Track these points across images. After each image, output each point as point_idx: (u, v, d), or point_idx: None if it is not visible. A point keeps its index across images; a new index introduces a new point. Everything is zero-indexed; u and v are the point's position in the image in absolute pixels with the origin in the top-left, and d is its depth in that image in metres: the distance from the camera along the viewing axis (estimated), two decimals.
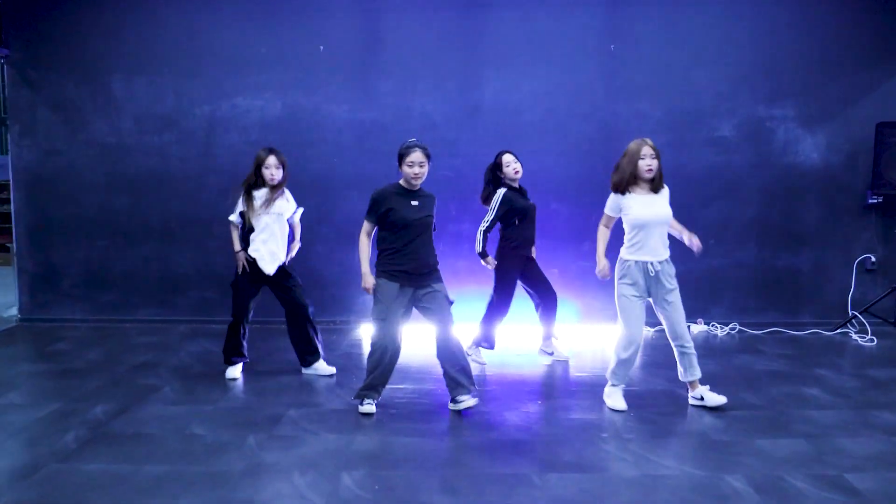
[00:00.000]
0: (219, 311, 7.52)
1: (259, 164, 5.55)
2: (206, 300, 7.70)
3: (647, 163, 4.75)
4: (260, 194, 5.53)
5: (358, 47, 7.56)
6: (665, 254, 4.84)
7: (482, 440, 4.38)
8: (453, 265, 7.25)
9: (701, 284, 7.42)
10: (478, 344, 6.09)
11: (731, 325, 7.39)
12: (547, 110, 7.49)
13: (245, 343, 5.69)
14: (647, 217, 4.76)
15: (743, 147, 7.47)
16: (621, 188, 4.81)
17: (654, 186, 4.84)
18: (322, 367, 5.80)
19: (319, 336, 5.82)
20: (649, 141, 4.80)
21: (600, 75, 7.48)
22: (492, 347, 6.12)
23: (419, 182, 4.77)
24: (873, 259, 7.51)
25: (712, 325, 7.41)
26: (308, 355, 5.79)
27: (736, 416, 4.78)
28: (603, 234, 5.04)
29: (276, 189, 5.56)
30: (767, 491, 3.66)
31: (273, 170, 5.52)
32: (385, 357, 4.73)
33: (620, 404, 4.89)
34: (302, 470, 3.90)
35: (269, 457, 4.08)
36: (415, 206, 4.77)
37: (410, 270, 4.73)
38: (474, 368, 5.53)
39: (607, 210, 4.93)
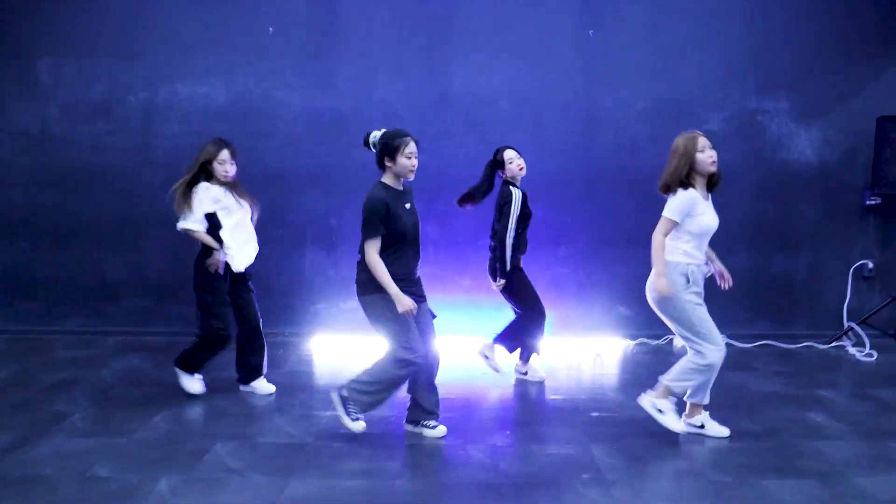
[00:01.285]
0: (154, 321, 7.04)
1: (209, 160, 4.93)
2: (141, 309, 7.11)
3: (710, 154, 4.20)
4: (212, 193, 4.95)
5: (313, 28, 7.08)
6: None
7: (442, 482, 3.73)
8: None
9: None
10: (526, 360, 5.64)
11: None
12: (521, 100, 7.08)
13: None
14: (712, 224, 4.29)
15: (733, 142, 7.05)
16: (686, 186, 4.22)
17: (710, 186, 4.33)
18: (262, 385, 5.19)
19: (266, 351, 5.24)
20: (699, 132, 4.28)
21: (579, 62, 7.11)
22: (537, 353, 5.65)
23: (412, 175, 4.30)
24: (871, 265, 7.17)
25: None
26: (250, 371, 5.19)
27: (735, 449, 4.19)
28: (663, 245, 4.29)
29: (234, 185, 5.07)
30: None
31: (228, 165, 4.97)
32: (418, 373, 4.28)
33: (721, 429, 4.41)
34: None
35: None
36: (408, 209, 4.32)
37: (405, 279, 4.24)
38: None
39: (674, 214, 4.21)
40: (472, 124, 6.99)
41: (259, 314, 5.18)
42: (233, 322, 5.05)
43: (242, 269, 5.07)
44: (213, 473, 3.78)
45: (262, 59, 6.99)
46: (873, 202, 7.01)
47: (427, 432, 4.35)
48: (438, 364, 4.42)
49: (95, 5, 6.93)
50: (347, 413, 4.24)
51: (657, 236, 4.21)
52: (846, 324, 6.98)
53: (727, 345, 6.53)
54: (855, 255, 7.15)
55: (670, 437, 4.36)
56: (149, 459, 3.95)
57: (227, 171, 4.93)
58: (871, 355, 6.37)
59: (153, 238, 6.98)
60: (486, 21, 7.00)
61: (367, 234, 4.12)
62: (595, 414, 4.85)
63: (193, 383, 5.12)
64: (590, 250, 7.06)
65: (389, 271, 4.12)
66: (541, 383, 5.57)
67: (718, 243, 6.78)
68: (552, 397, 5.26)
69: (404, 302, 4.11)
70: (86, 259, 7.06)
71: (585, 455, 4.10)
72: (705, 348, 4.26)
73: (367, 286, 4.19)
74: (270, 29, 6.96)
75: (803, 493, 3.59)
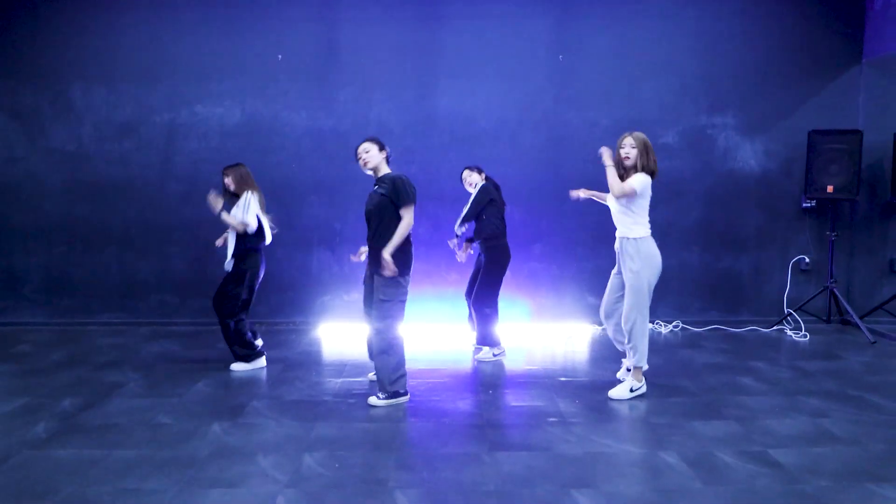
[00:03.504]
0: (178, 313, 7.74)
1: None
2: (166, 304, 7.82)
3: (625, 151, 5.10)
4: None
5: (316, 56, 7.74)
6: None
7: (435, 425, 4.61)
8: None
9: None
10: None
11: (674, 324, 7.71)
12: (499, 118, 7.77)
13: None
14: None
15: (686, 154, 7.83)
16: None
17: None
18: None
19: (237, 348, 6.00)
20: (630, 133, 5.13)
21: (550, 85, 7.79)
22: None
23: (367, 168, 5.02)
24: (807, 260, 7.90)
25: (657, 323, 7.72)
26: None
27: (674, 402, 5.09)
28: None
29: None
30: (698, 465, 3.96)
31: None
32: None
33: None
34: (265, 452, 4.11)
35: (233, 441, 4.27)
36: (373, 191, 5.02)
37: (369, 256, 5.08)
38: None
39: (639, 187, 5.00)
40: (457, 140, 7.72)
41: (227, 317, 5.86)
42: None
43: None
44: (254, 420, 4.66)
45: (272, 83, 7.70)
46: (808, 205, 7.77)
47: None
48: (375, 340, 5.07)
49: (122, 36, 7.62)
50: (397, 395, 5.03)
51: (625, 185, 5.02)
52: (786, 310, 7.77)
53: (681, 330, 7.51)
54: (794, 251, 7.88)
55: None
56: (200, 411, 4.82)
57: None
58: (805, 336, 7.20)
59: (176, 242, 7.71)
60: (469, 50, 7.74)
61: None
62: (562, 379, 5.73)
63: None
64: (562, 248, 7.80)
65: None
66: (510, 359, 6.42)
67: (675, 243, 7.77)
68: (528, 367, 6.12)
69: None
70: (116, 261, 7.77)
71: (552, 406, 5.01)
72: (643, 318, 5.22)
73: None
74: (279, 56, 7.66)
75: (722, 431, 4.50)
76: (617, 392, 5.20)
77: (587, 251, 7.80)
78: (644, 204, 5.09)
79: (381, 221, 4.90)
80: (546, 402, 5.10)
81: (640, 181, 4.99)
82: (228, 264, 5.80)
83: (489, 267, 6.25)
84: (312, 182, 7.76)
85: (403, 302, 4.99)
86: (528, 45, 7.78)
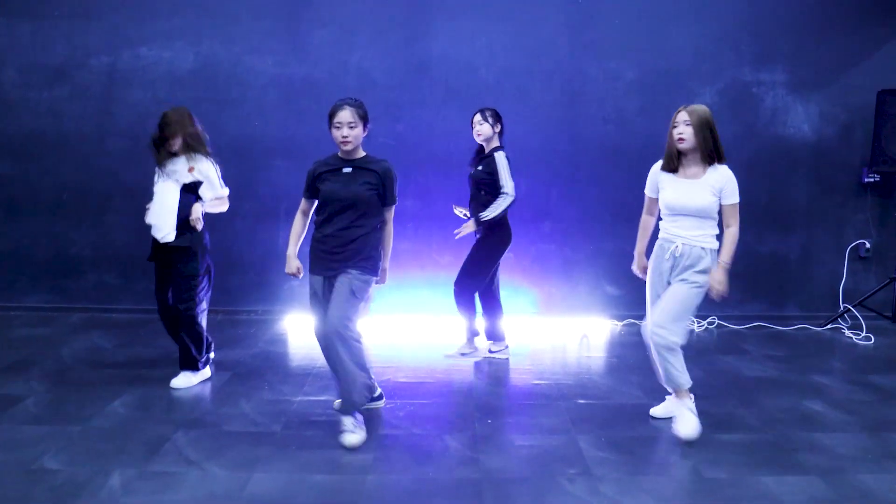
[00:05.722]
0: (120, 297, 6.69)
1: None
2: (106, 285, 6.73)
3: (678, 130, 3.96)
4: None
5: None
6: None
7: (413, 481, 3.42)
8: (395, 247, 6.42)
9: None
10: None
11: (709, 320, 6.66)
12: (503, 69, 6.73)
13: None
14: (672, 202, 4.04)
15: (725, 115, 6.69)
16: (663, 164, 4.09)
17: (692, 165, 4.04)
18: (180, 380, 4.70)
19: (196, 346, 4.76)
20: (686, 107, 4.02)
21: (564, 29, 6.76)
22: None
23: (349, 147, 3.95)
24: (868, 245, 6.91)
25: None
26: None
27: (730, 442, 3.92)
28: (643, 221, 4.31)
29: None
30: None
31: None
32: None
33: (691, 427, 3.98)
34: None
35: None
36: (347, 173, 3.99)
37: (320, 242, 4.05)
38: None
39: (646, 188, 4.22)
40: (452, 93, 6.66)
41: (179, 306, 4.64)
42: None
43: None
44: (170, 466, 3.48)
45: (232, 22, 6.62)
46: (871, 179, 6.75)
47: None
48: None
49: None
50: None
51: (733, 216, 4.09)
52: (842, 306, 6.75)
53: (717, 328, 6.44)
54: (851, 234, 6.89)
55: (660, 427, 4.10)
56: (104, 449, 3.65)
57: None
58: (868, 338, 6.14)
59: (117, 210, 6.63)
60: None
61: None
62: (581, 401, 4.58)
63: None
64: (575, 226, 6.76)
65: (315, 234, 4.07)
66: (509, 364, 5.43)
67: None
68: (536, 382, 4.97)
69: (289, 263, 4.15)
70: (45, 232, 6.68)
71: (571, 447, 3.83)
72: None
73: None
74: None
75: (805, 493, 3.32)
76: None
77: (605, 229, 6.76)
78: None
79: (362, 215, 4.00)
80: (562, 440, 3.92)
81: (735, 187, 4.06)
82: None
83: (487, 246, 5.28)
84: (279, 142, 6.66)
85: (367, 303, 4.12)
86: None
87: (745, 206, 6.59)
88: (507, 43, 6.69)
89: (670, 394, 4.19)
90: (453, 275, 5.45)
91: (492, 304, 5.42)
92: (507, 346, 5.47)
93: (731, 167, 6.31)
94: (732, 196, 4.00)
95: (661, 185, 4.05)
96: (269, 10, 6.62)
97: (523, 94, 6.69)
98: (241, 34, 6.62)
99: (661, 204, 4.09)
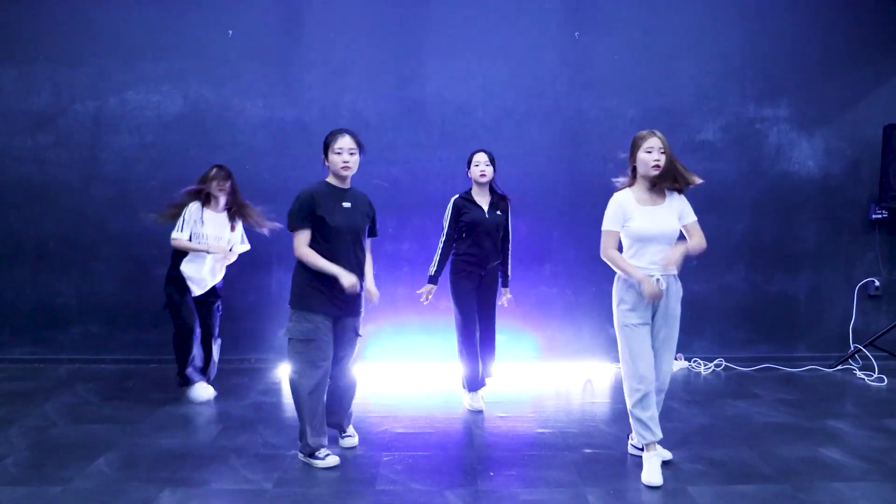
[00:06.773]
0: (108, 348, 6.47)
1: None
2: (92, 335, 6.50)
3: (654, 157, 3.87)
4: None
5: (275, 31, 6.53)
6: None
7: None
8: (391, 292, 6.32)
9: (681, 313, 6.45)
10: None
11: (716, 362, 6.45)
12: (501, 108, 6.57)
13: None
14: (646, 230, 3.93)
15: (729, 153, 6.63)
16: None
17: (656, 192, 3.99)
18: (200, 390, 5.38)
19: (214, 363, 5.55)
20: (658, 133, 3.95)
21: (562, 68, 6.62)
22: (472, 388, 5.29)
23: (348, 173, 4.11)
24: (877, 283, 6.71)
25: (694, 362, 6.47)
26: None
27: (745, 494, 3.69)
28: (612, 259, 4.05)
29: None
30: None
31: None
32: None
33: (655, 478, 3.82)
34: None
35: None
36: (346, 207, 4.10)
37: (330, 280, 4.04)
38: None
39: (605, 224, 4.04)
40: (448, 135, 6.49)
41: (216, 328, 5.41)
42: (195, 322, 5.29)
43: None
44: None
45: (220, 64, 6.46)
46: (879, 216, 6.58)
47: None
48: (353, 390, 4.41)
49: (35, 7, 6.36)
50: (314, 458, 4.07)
51: (603, 253, 4.01)
52: (852, 345, 6.55)
53: (724, 370, 6.23)
54: (860, 272, 6.71)
55: (669, 478, 3.87)
56: None
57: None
58: (881, 379, 5.93)
59: (104, 259, 6.43)
60: (464, 24, 6.52)
61: (292, 225, 4.01)
62: (588, 451, 4.36)
63: (200, 391, 5.31)
64: (578, 268, 6.56)
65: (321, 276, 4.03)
66: (518, 416, 5.11)
67: (716, 262, 6.46)
68: (540, 430, 4.75)
69: (346, 277, 3.94)
70: (30, 282, 6.46)
71: (580, 502, 3.60)
72: (623, 377, 4.02)
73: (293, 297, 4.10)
74: (230, 32, 6.42)
75: None
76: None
77: (608, 271, 6.39)
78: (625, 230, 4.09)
79: (361, 247, 4.23)
80: (569, 495, 3.68)
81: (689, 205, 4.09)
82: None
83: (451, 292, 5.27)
84: (270, 185, 6.40)
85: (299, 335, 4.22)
86: (537, 19, 6.57)
87: (752, 245, 6.54)
88: (504, 82, 6.54)
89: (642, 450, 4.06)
90: (451, 320, 5.29)
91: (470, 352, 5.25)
92: (473, 395, 5.21)
93: (736, 206, 6.17)
94: (691, 214, 3.98)
95: (631, 214, 3.91)
96: (257, 51, 6.46)
97: (521, 134, 6.53)
98: (230, 76, 6.46)
99: (627, 235, 3.96)
